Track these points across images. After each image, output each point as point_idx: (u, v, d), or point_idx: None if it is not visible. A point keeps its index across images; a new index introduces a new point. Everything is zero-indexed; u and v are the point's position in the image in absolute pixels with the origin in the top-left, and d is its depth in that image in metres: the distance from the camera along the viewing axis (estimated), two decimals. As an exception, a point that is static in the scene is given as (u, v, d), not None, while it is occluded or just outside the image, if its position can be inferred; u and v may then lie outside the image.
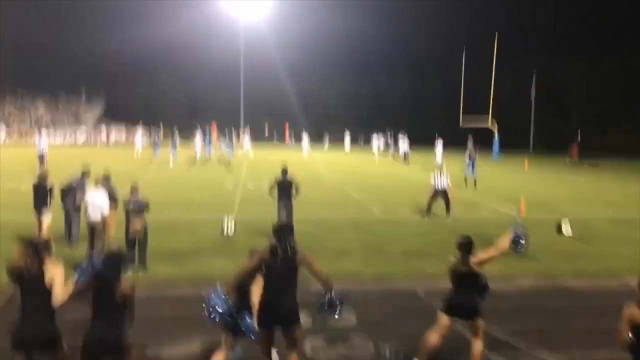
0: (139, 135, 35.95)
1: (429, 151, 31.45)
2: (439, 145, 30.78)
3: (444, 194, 14.65)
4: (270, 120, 55.29)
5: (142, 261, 8.98)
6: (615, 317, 4.98)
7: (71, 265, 4.66)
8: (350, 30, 56.56)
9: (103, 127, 52.38)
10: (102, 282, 4.24)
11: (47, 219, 10.32)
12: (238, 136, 42.78)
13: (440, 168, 15.36)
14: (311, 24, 56.41)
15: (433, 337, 5.69)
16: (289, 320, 4.78)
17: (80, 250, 9.67)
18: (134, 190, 9.15)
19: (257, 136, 44.01)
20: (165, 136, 42.58)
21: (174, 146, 29.48)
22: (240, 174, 24.31)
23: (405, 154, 33.73)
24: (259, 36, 50.40)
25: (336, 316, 4.95)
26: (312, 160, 33.55)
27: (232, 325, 4.88)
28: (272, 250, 4.75)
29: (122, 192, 9.90)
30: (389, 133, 44.96)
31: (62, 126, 51.14)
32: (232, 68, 52.05)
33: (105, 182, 10.03)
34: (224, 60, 54.04)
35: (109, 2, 58.02)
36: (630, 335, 4.18)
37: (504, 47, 39.10)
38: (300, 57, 57.43)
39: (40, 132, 27.02)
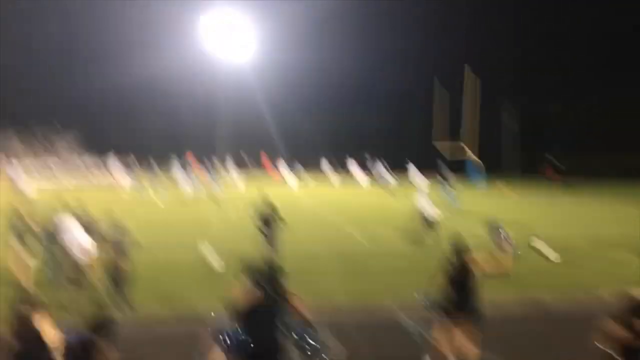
0: (123, 173, 35.31)
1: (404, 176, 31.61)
2: (412, 169, 30.83)
3: (432, 224, 14.88)
4: (248, 151, 55.24)
5: (127, 300, 8.92)
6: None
7: (56, 306, 4.75)
8: (328, 64, 57.87)
9: (83, 165, 51.46)
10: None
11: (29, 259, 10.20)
12: (223, 168, 42.26)
13: (426, 196, 15.57)
14: (292, 61, 57.48)
15: (443, 344, 6.05)
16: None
17: (65, 291, 9.56)
18: (120, 230, 9.16)
19: (239, 167, 43.70)
20: (139, 165, 41.76)
21: (160, 185, 29.08)
22: (228, 209, 24.13)
23: (387, 184, 33.99)
24: (239, 73, 51.05)
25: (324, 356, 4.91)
26: (300, 193, 33.50)
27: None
28: (261, 292, 4.68)
29: (109, 231, 9.86)
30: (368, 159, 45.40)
31: (36, 159, 49.93)
32: (212, 101, 52.39)
33: (89, 222, 10.01)
34: (203, 93, 54.43)
35: (84, 34, 57.98)
36: (609, 350, 4.34)
37: (481, 78, 40.15)
38: (280, 91, 58.35)
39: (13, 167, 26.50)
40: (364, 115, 63.16)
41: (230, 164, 39.55)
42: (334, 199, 30.05)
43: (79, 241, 9.06)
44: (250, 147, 55.94)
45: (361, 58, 58.54)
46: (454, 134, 40.81)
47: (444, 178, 21.91)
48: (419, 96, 53.42)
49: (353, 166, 39.23)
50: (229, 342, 4.67)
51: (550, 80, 53.19)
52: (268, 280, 4.74)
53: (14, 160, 30.81)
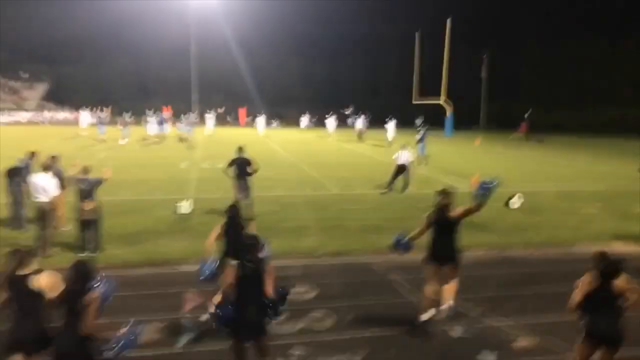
0: (85, 115, 34.55)
1: (382, 129, 31.72)
2: (391, 123, 31.01)
3: (404, 169, 14.98)
4: (225, 102, 54.17)
5: (95, 243, 8.76)
6: (561, 283, 5.28)
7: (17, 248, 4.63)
8: (305, 9, 55.87)
9: (47, 107, 50.01)
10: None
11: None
12: (200, 116, 41.29)
13: (405, 145, 15.60)
14: (263, 3, 55.22)
15: (429, 289, 6.20)
16: (258, 332, 4.81)
17: (28, 233, 9.35)
18: (84, 169, 8.87)
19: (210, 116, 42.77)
20: (112, 115, 40.93)
21: (125, 124, 28.51)
22: (196, 154, 23.90)
23: (360, 132, 33.99)
24: (211, 14, 48.95)
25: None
26: (268, 138, 33.33)
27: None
28: (240, 265, 4.74)
29: (71, 173, 9.58)
30: (349, 110, 45.05)
31: (2, 107, 48.50)
32: (182, 47, 50.51)
33: (53, 163, 9.67)
34: (174, 39, 52.23)
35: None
36: (576, 301, 4.58)
37: (457, 29, 39.63)
38: (254, 35, 56.25)
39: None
40: (343, 64, 62.13)
41: (211, 113, 38.39)
42: (297, 144, 30.08)
43: (41, 182, 8.74)
44: (230, 98, 54.76)
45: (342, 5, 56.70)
46: (435, 88, 40.71)
47: (417, 130, 22.16)
48: (401, 45, 52.58)
49: (331, 119, 38.94)
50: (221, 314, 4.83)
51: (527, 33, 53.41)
52: (249, 252, 4.81)
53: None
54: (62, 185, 9.54)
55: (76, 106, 48.14)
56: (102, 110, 39.18)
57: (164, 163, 20.54)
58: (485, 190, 6.19)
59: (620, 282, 4.49)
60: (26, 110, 50.67)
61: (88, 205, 8.65)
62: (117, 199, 12.62)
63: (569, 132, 43.11)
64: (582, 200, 14.32)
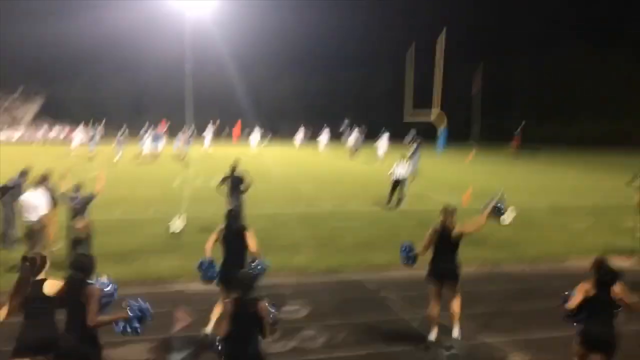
0: (78, 132, 34.47)
1: (374, 144, 31.85)
2: (384, 137, 31.08)
3: (399, 184, 15.03)
4: (220, 118, 54.31)
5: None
6: (554, 299, 5.30)
7: (6, 268, 4.68)
8: (297, 25, 56.44)
9: (41, 125, 49.89)
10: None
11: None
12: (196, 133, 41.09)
13: (399, 160, 15.68)
14: (258, 19, 55.78)
15: (434, 310, 6.25)
16: None
17: (18, 252, 9.26)
18: (75, 187, 8.83)
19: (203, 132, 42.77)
20: (107, 132, 40.85)
21: (119, 142, 28.41)
22: (189, 171, 23.84)
23: (353, 148, 34.06)
24: (206, 31, 49.31)
25: None
26: (261, 154, 33.34)
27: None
28: (235, 303, 4.68)
29: (62, 190, 9.52)
30: (343, 125, 45.09)
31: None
32: (177, 63, 50.71)
33: (44, 181, 9.62)
34: (169, 55, 52.54)
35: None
36: (574, 305, 4.72)
37: (450, 44, 40.02)
38: (248, 52, 56.71)
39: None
40: (336, 79, 62.52)
41: (208, 129, 38.28)
42: (290, 160, 30.10)
43: (31, 200, 8.69)
44: (225, 114, 54.81)
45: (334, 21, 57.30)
46: (426, 102, 40.90)
47: (409, 146, 22.32)
48: (394, 60, 52.98)
49: (324, 134, 39.11)
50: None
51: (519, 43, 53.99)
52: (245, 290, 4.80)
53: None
54: (53, 204, 9.48)
55: (70, 123, 48.10)
56: (95, 127, 39.09)
57: (156, 180, 20.48)
58: (499, 212, 6.41)
59: (617, 289, 4.63)
60: (20, 127, 50.53)
61: (79, 223, 8.59)
62: (108, 217, 12.55)
63: (560, 145, 43.44)
64: (574, 215, 14.39)
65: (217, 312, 6.20)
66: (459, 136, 46.48)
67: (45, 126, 50.11)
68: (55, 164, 13.98)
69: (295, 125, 47.80)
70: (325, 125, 41.33)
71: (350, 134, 36.68)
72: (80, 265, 4.54)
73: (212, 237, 6.39)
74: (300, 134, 45.89)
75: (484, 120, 51.51)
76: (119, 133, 29.59)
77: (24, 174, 10.61)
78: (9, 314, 4.40)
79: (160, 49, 53.77)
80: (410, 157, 22.10)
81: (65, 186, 9.42)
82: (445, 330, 6.32)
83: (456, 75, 49.60)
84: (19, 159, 22.00)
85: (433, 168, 25.74)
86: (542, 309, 7.17)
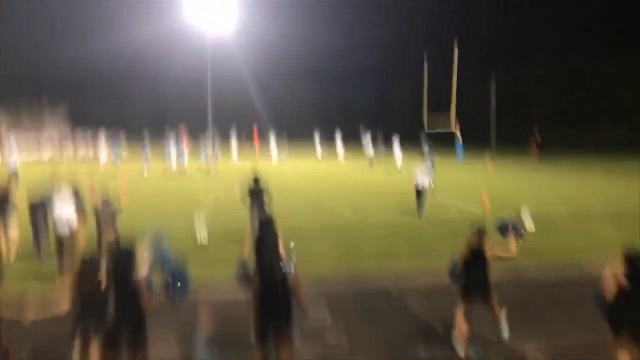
0: (103, 148, 35.25)
1: (392, 152, 31.91)
2: (396, 144, 31.18)
3: (422, 194, 15.07)
4: (241, 132, 54.99)
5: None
6: (580, 306, 5.32)
7: (39, 280, 4.90)
8: (315, 39, 57.25)
9: (68, 143, 50.85)
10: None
11: (14, 233, 10.16)
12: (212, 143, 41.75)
13: (421, 167, 15.74)
14: (277, 34, 56.65)
15: (464, 328, 6.27)
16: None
17: (50, 265, 9.55)
18: (105, 202, 9.12)
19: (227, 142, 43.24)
20: (129, 144, 41.56)
21: (146, 157, 28.87)
22: (215, 184, 24.10)
23: (373, 157, 34.12)
24: (226, 47, 50.27)
25: None
26: (281, 166, 33.57)
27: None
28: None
29: (91, 204, 9.82)
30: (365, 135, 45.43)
31: (25, 134, 49.34)
32: (199, 77, 51.72)
33: (74, 195, 9.93)
34: (191, 72, 53.72)
35: (69, 8, 56.57)
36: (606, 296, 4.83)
37: (465, 53, 40.05)
38: (267, 66, 57.68)
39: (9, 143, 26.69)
40: (354, 92, 63.01)
41: (232, 138, 39.08)
42: (311, 172, 30.26)
43: (63, 214, 8.99)
44: (243, 122, 55.51)
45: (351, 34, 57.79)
46: (443, 108, 40.88)
47: (425, 152, 22.29)
48: (408, 71, 53.21)
49: (338, 140, 39.47)
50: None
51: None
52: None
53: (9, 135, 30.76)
54: (83, 218, 9.78)
55: (95, 138, 49.04)
56: (119, 142, 39.83)
57: (182, 193, 20.78)
58: (518, 232, 6.62)
59: None
60: (47, 145, 51.70)
61: (108, 236, 8.86)
62: (136, 229, 12.79)
63: (580, 151, 42.79)
64: (598, 222, 14.21)
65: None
66: (477, 143, 46.20)
67: (73, 144, 51.16)
68: (84, 180, 14.39)
69: (313, 139, 48.14)
70: (341, 135, 41.65)
71: (370, 145, 36.78)
72: (124, 248, 5.09)
73: (246, 243, 6.38)
74: (319, 147, 46.10)
75: (502, 126, 51.10)
76: (144, 148, 29.98)
77: (54, 189, 10.95)
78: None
79: (182, 66, 54.92)
80: (427, 159, 22.05)
81: (94, 201, 9.72)
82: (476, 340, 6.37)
83: (472, 83, 49.48)
84: (48, 175, 22.42)
85: (453, 176, 25.62)
86: (569, 315, 7.15)
